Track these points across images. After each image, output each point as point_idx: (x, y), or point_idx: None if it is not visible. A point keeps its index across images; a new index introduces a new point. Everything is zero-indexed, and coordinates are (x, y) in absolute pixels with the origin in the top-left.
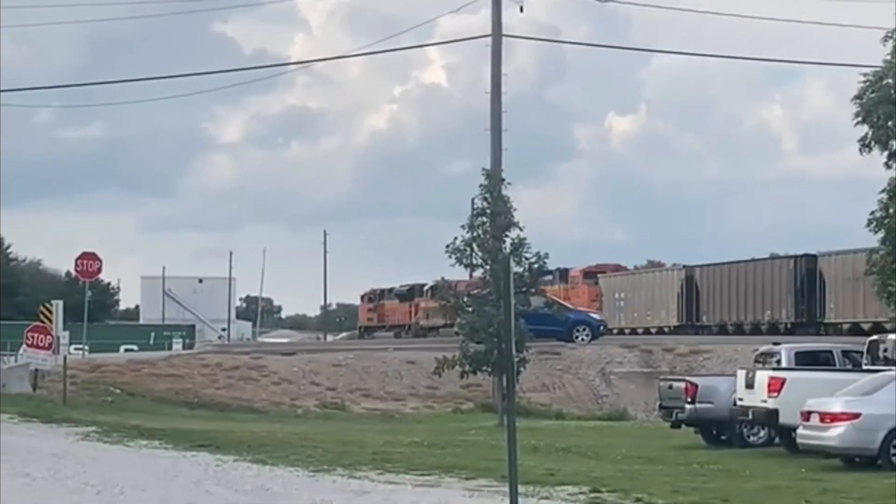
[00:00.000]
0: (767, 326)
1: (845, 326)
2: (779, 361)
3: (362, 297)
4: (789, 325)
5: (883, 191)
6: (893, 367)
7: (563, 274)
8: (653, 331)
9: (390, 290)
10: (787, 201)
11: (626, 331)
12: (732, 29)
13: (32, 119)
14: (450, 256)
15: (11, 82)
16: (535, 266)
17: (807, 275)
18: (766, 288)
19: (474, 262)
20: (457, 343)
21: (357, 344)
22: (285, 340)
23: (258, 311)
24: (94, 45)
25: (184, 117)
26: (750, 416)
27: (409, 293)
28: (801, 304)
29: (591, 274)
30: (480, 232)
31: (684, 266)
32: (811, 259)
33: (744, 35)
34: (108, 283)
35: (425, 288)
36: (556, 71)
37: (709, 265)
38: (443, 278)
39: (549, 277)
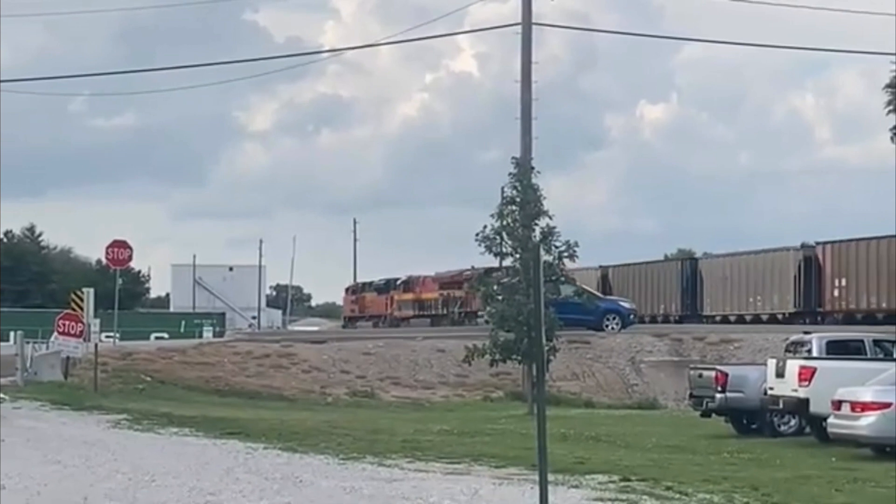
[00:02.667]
0: (662, 318)
1: (717, 318)
2: (809, 351)
3: (346, 290)
4: (678, 317)
5: None
6: None
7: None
8: None
9: (370, 283)
10: (820, 190)
11: None
12: (764, 17)
13: (66, 108)
14: (479, 245)
15: (45, 70)
16: (565, 255)
17: (690, 274)
18: (660, 285)
19: (504, 250)
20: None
21: (387, 332)
22: (315, 328)
23: (288, 299)
24: (127, 34)
25: (215, 106)
26: (780, 406)
27: (386, 286)
28: (687, 298)
29: None
30: (510, 220)
31: (600, 266)
32: (693, 261)
33: (775, 23)
34: (139, 272)
35: (398, 282)
36: (587, 59)
37: (619, 265)
38: (472, 267)
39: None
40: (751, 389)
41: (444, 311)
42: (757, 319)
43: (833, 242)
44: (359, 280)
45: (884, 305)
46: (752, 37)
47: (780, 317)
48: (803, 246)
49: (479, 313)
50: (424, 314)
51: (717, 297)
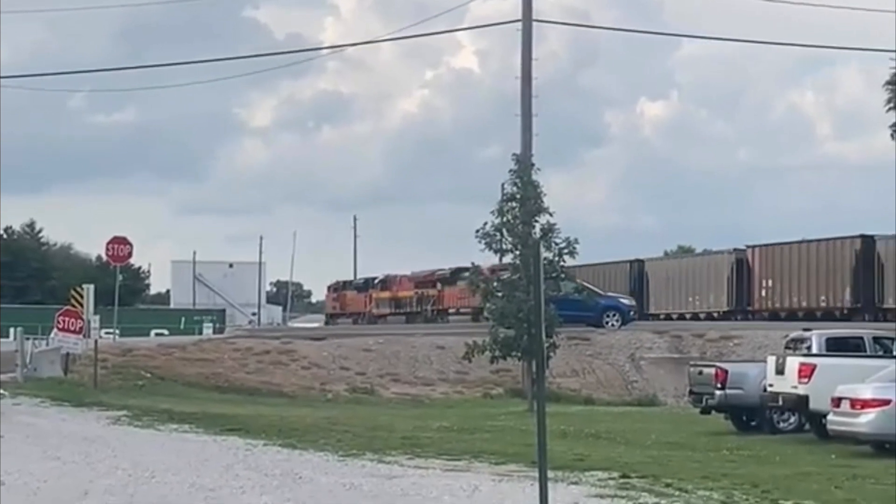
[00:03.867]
0: None
1: (661, 316)
2: (809, 347)
3: (328, 288)
4: None
5: None
6: None
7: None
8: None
9: (350, 281)
10: (819, 187)
11: None
12: (763, 14)
13: (66, 103)
14: (479, 241)
15: (46, 66)
16: (565, 252)
17: (638, 275)
18: (608, 285)
19: (504, 247)
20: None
21: (386, 329)
22: (315, 325)
23: (288, 296)
24: (128, 31)
25: (216, 102)
26: (780, 402)
27: (365, 285)
28: (634, 298)
29: (495, 271)
30: (510, 217)
31: None
32: (640, 263)
33: (775, 20)
34: (139, 268)
35: (376, 281)
36: (588, 56)
37: (572, 266)
38: (473, 263)
39: (466, 273)
40: (750, 386)
41: (419, 309)
42: (695, 317)
43: (761, 246)
44: (341, 278)
45: (804, 304)
46: (752, 33)
47: (715, 315)
48: (735, 249)
49: (450, 310)
50: (400, 312)
51: (660, 297)
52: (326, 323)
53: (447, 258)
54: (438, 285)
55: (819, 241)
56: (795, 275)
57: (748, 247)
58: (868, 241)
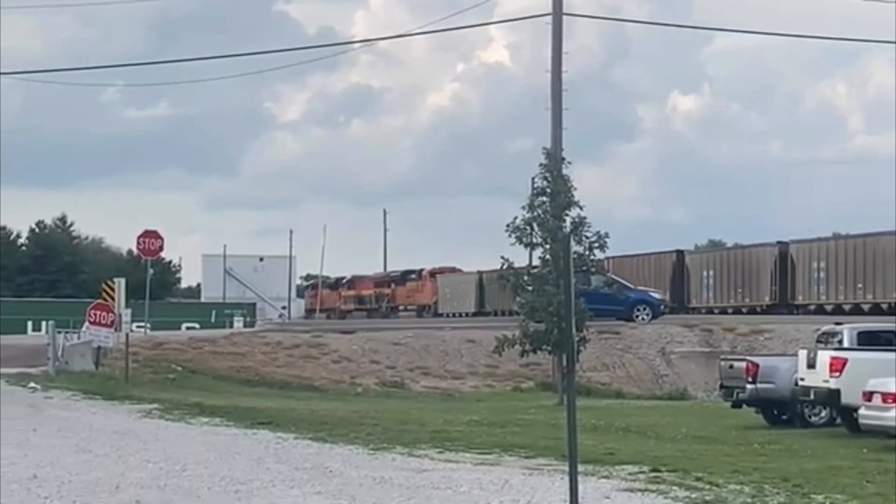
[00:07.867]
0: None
1: None
2: (840, 341)
3: (308, 287)
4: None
5: None
6: None
7: (419, 273)
8: (462, 314)
9: (325, 280)
10: (851, 180)
11: (451, 314)
12: (795, 7)
13: (98, 98)
14: (510, 235)
15: (78, 61)
16: (596, 246)
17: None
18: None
19: (534, 241)
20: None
21: (417, 322)
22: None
23: (319, 290)
24: (160, 25)
25: (247, 96)
26: (811, 397)
27: (336, 284)
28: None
29: (434, 274)
30: (540, 211)
31: (478, 271)
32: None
33: (807, 13)
34: (170, 262)
35: (344, 280)
36: (619, 49)
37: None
38: (502, 257)
39: (414, 276)
40: (781, 380)
41: (377, 306)
42: None
43: (615, 257)
44: (319, 279)
45: None
46: (784, 26)
47: None
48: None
49: (400, 307)
50: (362, 308)
51: None
52: (306, 318)
53: (477, 252)
54: (392, 285)
55: (648, 255)
56: (634, 280)
57: (606, 257)
58: (680, 255)
